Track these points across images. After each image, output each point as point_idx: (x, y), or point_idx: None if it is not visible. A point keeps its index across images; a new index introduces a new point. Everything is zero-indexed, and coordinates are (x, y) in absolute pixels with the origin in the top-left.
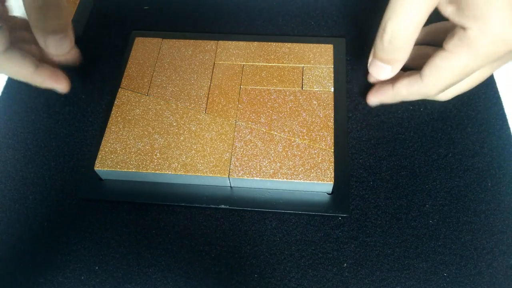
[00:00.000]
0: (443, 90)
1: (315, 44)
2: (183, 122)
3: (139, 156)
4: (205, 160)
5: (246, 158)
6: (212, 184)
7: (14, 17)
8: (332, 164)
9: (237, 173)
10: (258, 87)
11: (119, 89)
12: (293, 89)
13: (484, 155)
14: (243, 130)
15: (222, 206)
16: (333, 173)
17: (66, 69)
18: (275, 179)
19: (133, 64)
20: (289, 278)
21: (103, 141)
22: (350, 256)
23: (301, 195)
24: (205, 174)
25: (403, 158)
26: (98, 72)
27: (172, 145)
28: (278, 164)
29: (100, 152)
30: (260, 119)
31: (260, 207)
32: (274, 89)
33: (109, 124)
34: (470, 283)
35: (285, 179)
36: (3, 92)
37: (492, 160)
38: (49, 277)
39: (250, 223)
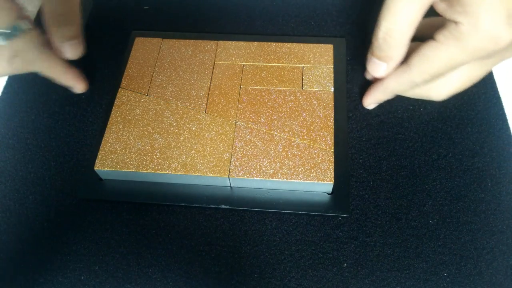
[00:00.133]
0: (428, 80)
1: (315, 44)
2: (183, 122)
3: (139, 156)
4: (205, 160)
5: (246, 158)
6: (212, 184)
7: None
8: (332, 164)
9: (237, 173)
10: (258, 87)
11: (119, 89)
12: (293, 89)
13: (484, 155)
14: (243, 130)
15: (222, 206)
16: (333, 173)
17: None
18: (275, 179)
19: (133, 64)
20: (289, 278)
21: (103, 141)
22: (350, 256)
23: (301, 195)
24: (205, 174)
25: (403, 158)
26: (98, 72)
27: (172, 145)
28: (278, 164)
29: (100, 152)
30: (260, 119)
31: (260, 207)
32: (274, 89)
33: (109, 124)
34: (470, 283)
35: (285, 179)
36: (3, 92)
37: (492, 160)
38: (49, 277)
39: (250, 223)
